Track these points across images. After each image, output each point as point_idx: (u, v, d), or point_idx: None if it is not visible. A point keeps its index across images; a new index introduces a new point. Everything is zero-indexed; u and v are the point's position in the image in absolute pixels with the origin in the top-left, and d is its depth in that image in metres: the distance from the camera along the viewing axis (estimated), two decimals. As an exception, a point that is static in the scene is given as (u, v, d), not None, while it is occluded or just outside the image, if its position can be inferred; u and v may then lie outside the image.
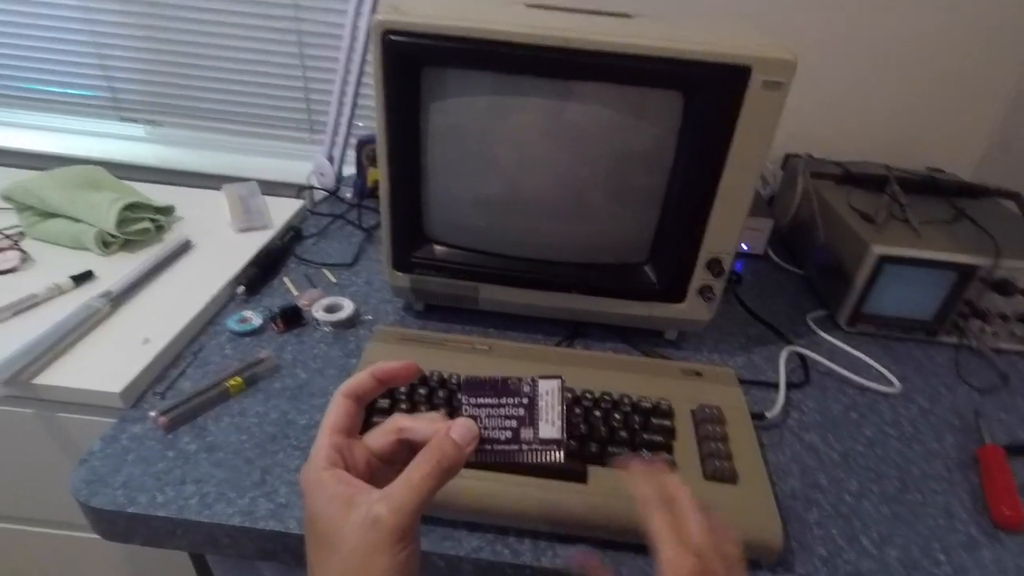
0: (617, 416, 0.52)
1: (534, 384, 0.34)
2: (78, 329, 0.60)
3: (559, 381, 0.34)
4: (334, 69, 0.90)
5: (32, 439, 0.62)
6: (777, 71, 0.51)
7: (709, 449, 0.50)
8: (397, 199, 0.60)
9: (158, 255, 0.73)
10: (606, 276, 0.63)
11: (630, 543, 0.45)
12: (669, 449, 0.50)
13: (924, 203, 0.79)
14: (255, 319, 0.66)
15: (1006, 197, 0.83)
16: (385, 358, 0.57)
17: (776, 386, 0.63)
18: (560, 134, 0.56)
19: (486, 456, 0.33)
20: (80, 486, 0.47)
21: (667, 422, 0.52)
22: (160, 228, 0.80)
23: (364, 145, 0.94)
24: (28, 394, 0.56)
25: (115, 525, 0.47)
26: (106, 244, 0.74)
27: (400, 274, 0.65)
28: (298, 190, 0.95)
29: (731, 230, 0.59)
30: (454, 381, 0.54)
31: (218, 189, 0.88)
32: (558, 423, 0.33)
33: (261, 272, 0.73)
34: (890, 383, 0.65)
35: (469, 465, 0.32)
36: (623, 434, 0.50)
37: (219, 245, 0.78)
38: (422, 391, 0.53)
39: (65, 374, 0.56)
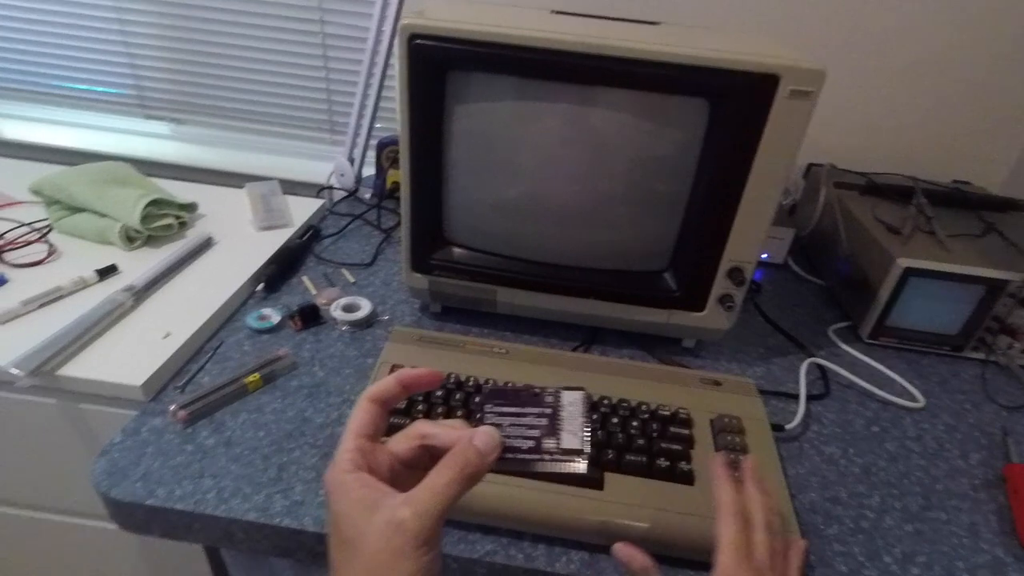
0: (635, 424, 0.51)
1: (557, 395, 0.34)
2: (101, 322, 0.61)
3: (583, 393, 0.34)
4: (356, 72, 0.91)
5: (55, 429, 0.63)
6: (806, 80, 0.50)
7: (728, 460, 0.49)
8: (417, 201, 0.61)
9: (180, 251, 0.74)
10: (625, 282, 0.63)
11: (646, 551, 0.45)
12: (687, 459, 0.49)
13: (951, 216, 0.77)
14: (274, 316, 0.66)
15: (1036, 211, 0.82)
16: (402, 359, 0.58)
17: (796, 397, 0.62)
18: (583, 140, 0.56)
19: (508, 464, 0.33)
20: (101, 477, 0.48)
21: (685, 431, 0.51)
22: (183, 224, 0.81)
23: (384, 147, 0.95)
24: (52, 385, 0.57)
25: (133, 516, 0.47)
26: (130, 239, 0.76)
27: (418, 275, 0.65)
28: (318, 190, 0.96)
29: (753, 239, 0.59)
30: (471, 384, 0.54)
31: (240, 187, 0.90)
32: (580, 434, 0.33)
33: (280, 270, 0.74)
34: (913, 398, 0.64)
35: (490, 472, 0.32)
36: (640, 442, 0.50)
37: (240, 242, 0.79)
38: (438, 394, 0.53)
39: (88, 366, 0.57)
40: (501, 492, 0.45)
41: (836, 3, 0.88)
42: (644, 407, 0.53)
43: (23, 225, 0.77)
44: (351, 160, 0.96)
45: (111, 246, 0.75)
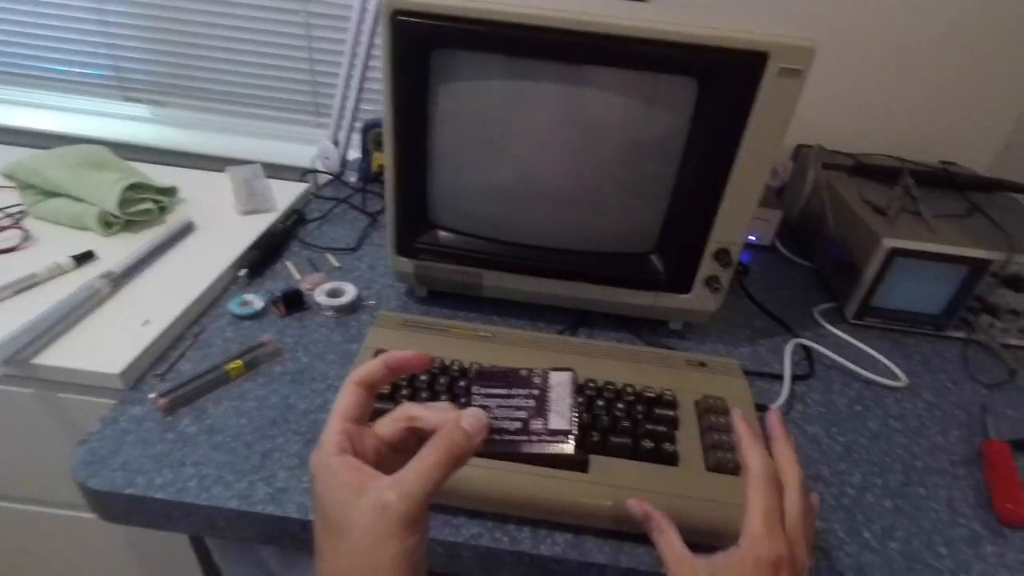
0: (620, 406, 0.51)
1: (545, 376, 0.34)
2: (78, 309, 0.60)
3: (571, 374, 0.34)
4: (341, 52, 0.89)
5: (32, 419, 0.61)
6: (795, 58, 0.50)
7: (712, 440, 0.49)
8: (402, 183, 0.60)
9: (160, 236, 0.72)
10: (612, 264, 0.62)
11: (630, 532, 0.45)
12: (672, 440, 0.49)
13: (937, 197, 0.78)
14: (257, 302, 0.65)
15: (1021, 192, 0.82)
16: (387, 343, 0.57)
17: (781, 378, 0.62)
18: (570, 120, 0.55)
19: (496, 446, 0.33)
20: (79, 467, 0.47)
21: (670, 412, 0.51)
22: (163, 209, 0.79)
23: (370, 129, 0.93)
24: (28, 374, 0.55)
25: (113, 506, 0.47)
26: (108, 224, 0.74)
27: (404, 259, 0.64)
28: (302, 173, 0.95)
29: (740, 220, 0.58)
30: (456, 368, 0.53)
31: (222, 171, 0.88)
32: (568, 415, 0.33)
33: (263, 255, 0.73)
34: (896, 377, 0.65)
35: (477, 454, 0.32)
36: (626, 424, 0.50)
37: (222, 227, 0.78)
38: (423, 378, 0.52)
39: (65, 354, 0.56)
40: (486, 476, 0.45)
41: (826, -19, 0.87)
42: (629, 389, 0.53)
43: (-4, 210, 0.75)
44: (336, 143, 0.94)
45: (88, 231, 0.73)
